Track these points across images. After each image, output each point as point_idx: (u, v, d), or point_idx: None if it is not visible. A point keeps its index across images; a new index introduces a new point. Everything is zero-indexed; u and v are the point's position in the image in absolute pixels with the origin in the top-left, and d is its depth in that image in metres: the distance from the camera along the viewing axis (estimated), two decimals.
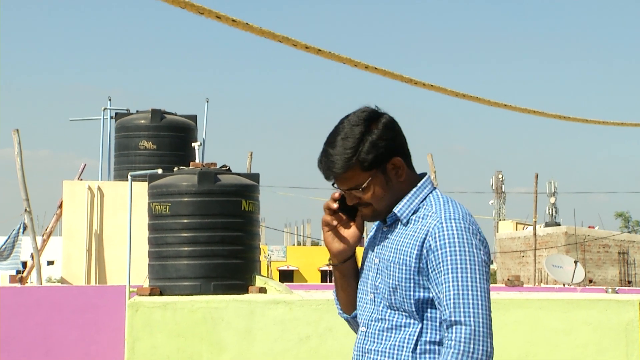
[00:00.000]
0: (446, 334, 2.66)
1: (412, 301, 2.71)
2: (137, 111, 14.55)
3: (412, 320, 2.73)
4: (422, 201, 2.81)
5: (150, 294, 7.57)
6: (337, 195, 2.86)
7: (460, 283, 2.65)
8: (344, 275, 2.96)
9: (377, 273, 2.82)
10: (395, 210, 2.81)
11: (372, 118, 2.80)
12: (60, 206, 13.92)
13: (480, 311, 2.63)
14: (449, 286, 2.65)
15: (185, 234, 7.90)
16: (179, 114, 14.61)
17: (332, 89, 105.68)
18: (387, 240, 2.83)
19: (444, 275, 2.66)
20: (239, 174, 8.38)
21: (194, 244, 7.86)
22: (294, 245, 45.76)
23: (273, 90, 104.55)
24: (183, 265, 7.80)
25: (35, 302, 9.19)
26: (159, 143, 13.98)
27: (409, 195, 2.82)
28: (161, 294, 7.69)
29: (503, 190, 64.89)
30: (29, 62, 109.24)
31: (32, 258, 12.95)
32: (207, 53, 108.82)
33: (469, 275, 2.65)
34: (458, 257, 2.66)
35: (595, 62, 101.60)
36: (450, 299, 2.65)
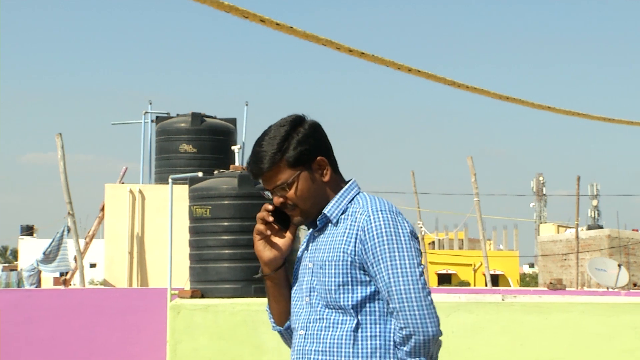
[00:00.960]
0: (394, 322, 2.78)
1: (350, 296, 2.78)
2: (178, 115, 14.64)
3: (347, 317, 2.78)
4: (350, 201, 2.91)
5: (191, 297, 7.61)
6: (270, 207, 2.92)
7: (392, 271, 2.74)
8: (276, 284, 3.00)
9: (312, 276, 2.88)
10: (325, 211, 2.89)
11: (298, 120, 2.93)
12: (102, 209, 14.04)
13: (413, 295, 2.73)
14: (383, 276, 2.75)
15: (226, 237, 7.93)
16: (218, 117, 14.67)
17: (373, 92, 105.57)
18: (319, 242, 2.91)
19: (378, 266, 2.76)
20: None
21: (234, 247, 7.89)
22: None
23: (312, 93, 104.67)
24: (224, 268, 7.83)
25: (79, 304, 9.28)
26: (199, 146, 14.05)
27: (337, 196, 2.92)
28: (202, 296, 7.72)
29: (544, 192, 64.31)
30: (72, 67, 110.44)
31: (75, 260, 13.08)
32: (246, 56, 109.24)
33: (399, 262, 2.75)
34: (387, 246, 2.76)
35: (638, 64, 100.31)
36: (387, 289, 2.75)
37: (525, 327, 7.22)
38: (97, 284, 27.46)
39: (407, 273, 2.74)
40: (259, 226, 2.91)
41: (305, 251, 2.95)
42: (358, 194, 2.95)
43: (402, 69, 5.31)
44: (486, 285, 16.87)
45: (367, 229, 2.78)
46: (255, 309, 7.20)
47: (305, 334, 2.85)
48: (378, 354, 2.76)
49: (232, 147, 10.51)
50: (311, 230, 2.98)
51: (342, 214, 2.89)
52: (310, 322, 2.85)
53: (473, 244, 45.60)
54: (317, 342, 2.82)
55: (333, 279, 2.80)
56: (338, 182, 2.96)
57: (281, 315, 3.03)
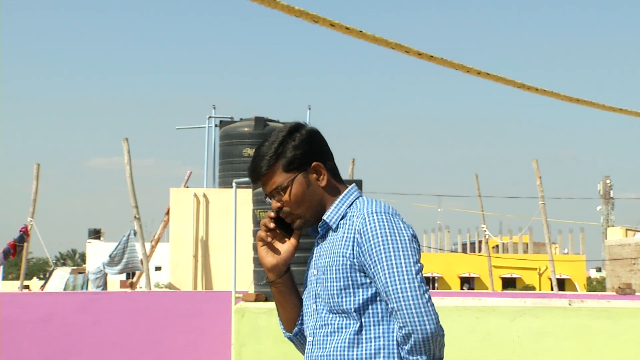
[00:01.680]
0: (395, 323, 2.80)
1: (352, 299, 2.81)
2: (241, 119, 14.75)
3: (350, 321, 2.81)
4: (350, 206, 2.92)
5: (255, 300, 7.64)
6: (272, 214, 2.96)
7: (388, 271, 2.75)
8: (281, 291, 3.03)
9: (316, 283, 2.91)
10: (324, 217, 2.92)
11: (296, 126, 2.98)
12: (167, 213, 14.21)
13: (410, 294, 2.73)
14: (380, 277, 2.76)
15: None
16: (281, 122, 14.74)
17: (437, 94, 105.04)
18: (322, 249, 2.94)
19: (375, 267, 2.77)
20: None
21: (298, 251, 7.89)
22: None
23: (375, 96, 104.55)
24: None
25: (145, 307, 9.40)
26: None
27: (336, 202, 2.94)
28: (266, 300, 7.76)
29: (611, 195, 63.13)
30: (137, 73, 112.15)
31: (142, 264, 13.26)
32: (309, 60, 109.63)
33: (394, 261, 2.76)
34: (382, 247, 2.77)
35: None
36: (384, 289, 2.76)
37: (593, 332, 7.09)
38: (162, 287, 27.77)
39: (403, 272, 2.75)
40: (261, 233, 2.97)
41: (312, 259, 2.98)
42: (357, 198, 2.96)
43: (471, 72, 5.27)
44: (552, 290, 16.62)
45: (363, 231, 2.80)
46: None
47: (312, 341, 2.89)
48: (382, 355, 2.78)
49: None
50: (316, 237, 3.01)
51: (341, 219, 2.91)
52: (317, 329, 2.89)
53: (538, 247, 44.99)
54: (322, 348, 2.85)
55: (335, 284, 2.83)
56: (337, 187, 2.98)
57: (289, 322, 3.07)
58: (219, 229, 13.29)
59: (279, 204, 2.93)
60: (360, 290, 2.81)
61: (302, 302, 3.05)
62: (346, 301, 2.81)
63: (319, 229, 2.96)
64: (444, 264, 41.02)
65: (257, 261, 8.16)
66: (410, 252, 2.79)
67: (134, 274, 16.29)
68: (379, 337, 2.80)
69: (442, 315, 2.98)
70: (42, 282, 26.27)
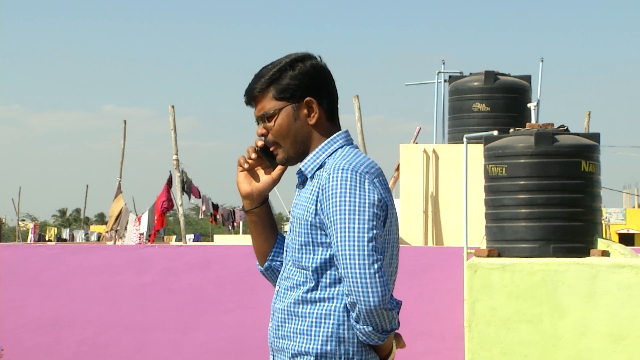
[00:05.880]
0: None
1: (311, 257, 2.70)
2: (471, 73, 14.54)
3: (307, 279, 2.71)
4: (330, 155, 2.76)
5: (487, 256, 7.57)
6: (259, 143, 2.85)
7: (340, 234, 2.61)
8: (253, 222, 2.93)
9: (290, 232, 2.82)
10: (301, 165, 2.79)
11: (303, 57, 2.83)
12: (397, 169, 14.33)
13: (357, 261, 2.57)
14: (334, 239, 2.63)
15: (523, 196, 7.80)
16: (512, 75, 14.40)
17: None
18: (298, 198, 2.82)
19: (330, 228, 2.64)
20: (577, 134, 8.09)
21: (531, 206, 7.74)
22: (633, 207, 43.40)
23: (613, 48, 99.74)
24: (521, 228, 7.71)
25: None
26: (493, 105, 13.88)
27: (317, 149, 2.78)
28: (499, 255, 7.66)
29: None
30: (367, 31, 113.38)
31: None
32: (540, 10, 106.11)
33: (348, 225, 2.60)
34: (339, 207, 2.61)
35: None
36: (335, 252, 2.64)
37: None
38: None
39: (354, 238, 2.59)
40: (240, 158, 2.90)
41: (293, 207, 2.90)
42: (342, 147, 2.80)
43: None
44: None
45: (325, 188, 2.67)
46: (555, 269, 7.03)
47: (277, 291, 2.84)
48: (332, 318, 2.68)
49: (528, 105, 10.30)
50: (296, 184, 2.93)
51: (318, 168, 2.78)
52: (282, 280, 2.83)
53: None
54: (281, 301, 2.80)
55: (298, 238, 2.74)
56: (330, 130, 2.83)
57: (260, 255, 2.97)
58: (448, 185, 13.25)
59: (263, 131, 2.84)
60: (320, 249, 2.70)
61: (276, 237, 2.96)
62: (305, 258, 2.72)
63: (297, 177, 2.86)
64: None
65: (490, 217, 8.08)
66: (366, 217, 2.60)
67: None
68: (332, 299, 2.69)
69: None
70: None
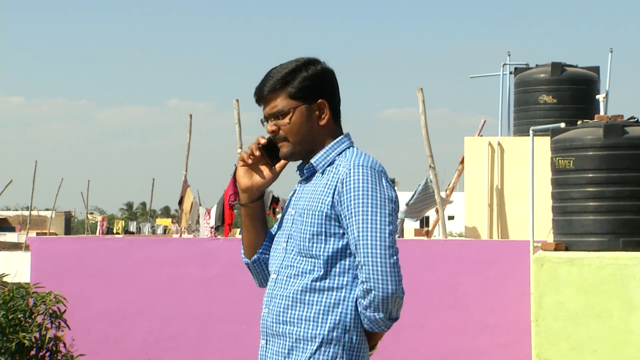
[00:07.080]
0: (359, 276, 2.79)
1: (323, 246, 2.81)
2: (537, 65, 14.35)
3: (315, 267, 2.81)
4: (339, 154, 2.90)
5: (555, 250, 7.47)
6: (263, 140, 2.97)
7: (362, 225, 2.74)
8: (249, 216, 3.05)
9: (292, 223, 2.92)
10: (312, 160, 2.92)
11: (313, 60, 2.97)
12: (462, 162, 14.22)
13: (379, 251, 2.72)
14: (353, 229, 2.76)
15: (591, 189, 7.67)
16: (580, 66, 14.17)
17: None
18: (304, 191, 2.94)
19: (350, 218, 2.77)
20: None
21: (600, 199, 7.61)
22: None
23: None
24: (589, 221, 7.59)
25: (440, 255, 9.51)
26: (560, 97, 13.68)
27: (327, 147, 2.92)
28: (566, 249, 7.55)
29: None
30: (431, 24, 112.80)
31: (437, 213, 13.42)
32: (609, 0, 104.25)
33: (370, 217, 2.75)
34: (361, 200, 2.76)
35: None
36: (355, 242, 2.76)
37: None
38: (455, 236, 28.01)
39: (377, 229, 2.74)
40: (243, 154, 3.02)
41: (292, 200, 2.99)
42: (348, 147, 2.94)
43: None
44: None
45: (345, 182, 2.80)
46: (624, 263, 6.91)
47: (276, 278, 2.93)
48: (340, 307, 2.81)
49: (597, 96, 10.11)
50: (299, 180, 3.03)
51: (329, 165, 2.91)
52: (282, 268, 2.92)
53: None
54: (283, 288, 2.89)
55: (309, 228, 2.84)
56: (336, 131, 2.98)
57: (250, 248, 3.11)
58: (514, 178, 13.10)
59: (274, 128, 2.96)
60: (332, 239, 2.83)
61: (267, 231, 3.10)
62: (316, 247, 2.84)
63: (305, 171, 2.98)
64: None
65: (557, 210, 7.97)
66: (387, 211, 2.78)
67: (427, 223, 16.53)
68: (342, 288, 2.82)
69: None
70: None
